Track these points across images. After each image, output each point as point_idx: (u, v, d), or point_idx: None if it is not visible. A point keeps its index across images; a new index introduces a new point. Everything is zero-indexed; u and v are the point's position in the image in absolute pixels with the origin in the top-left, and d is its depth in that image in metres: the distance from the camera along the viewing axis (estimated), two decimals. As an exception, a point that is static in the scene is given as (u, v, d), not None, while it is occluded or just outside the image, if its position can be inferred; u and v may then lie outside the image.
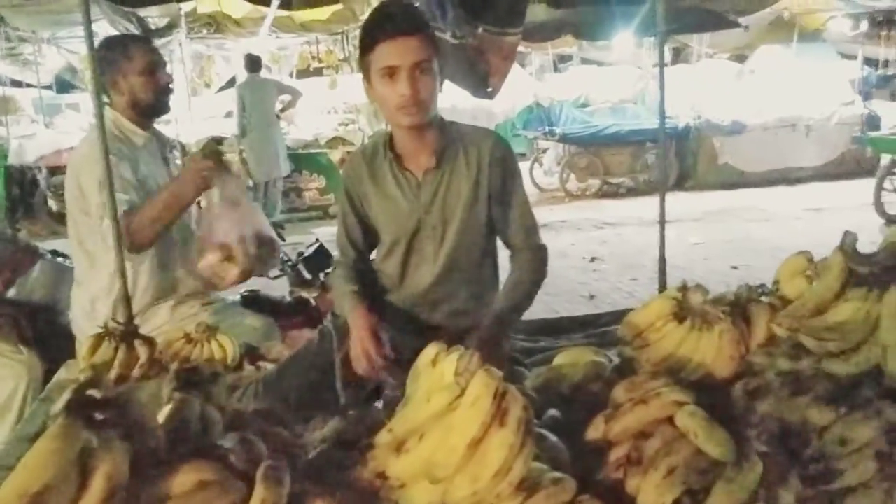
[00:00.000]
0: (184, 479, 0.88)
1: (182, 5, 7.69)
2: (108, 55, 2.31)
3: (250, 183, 7.68)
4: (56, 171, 8.11)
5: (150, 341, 1.87)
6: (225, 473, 0.91)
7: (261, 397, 1.77)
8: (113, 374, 1.77)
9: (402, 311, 1.86)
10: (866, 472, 0.99)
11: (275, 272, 2.97)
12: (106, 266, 2.20)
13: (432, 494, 0.91)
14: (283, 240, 3.01)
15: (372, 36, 1.67)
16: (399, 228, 1.83)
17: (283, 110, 8.17)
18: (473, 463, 0.88)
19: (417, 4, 1.75)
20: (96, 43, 2.29)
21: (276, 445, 1.09)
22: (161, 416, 1.05)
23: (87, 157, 2.19)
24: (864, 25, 8.97)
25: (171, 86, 2.41)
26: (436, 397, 0.95)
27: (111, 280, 2.19)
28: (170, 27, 8.03)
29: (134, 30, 7.09)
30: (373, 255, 1.98)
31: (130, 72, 2.29)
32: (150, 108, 2.35)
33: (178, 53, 8.53)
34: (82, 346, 1.88)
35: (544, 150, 10.27)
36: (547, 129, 10.00)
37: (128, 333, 1.86)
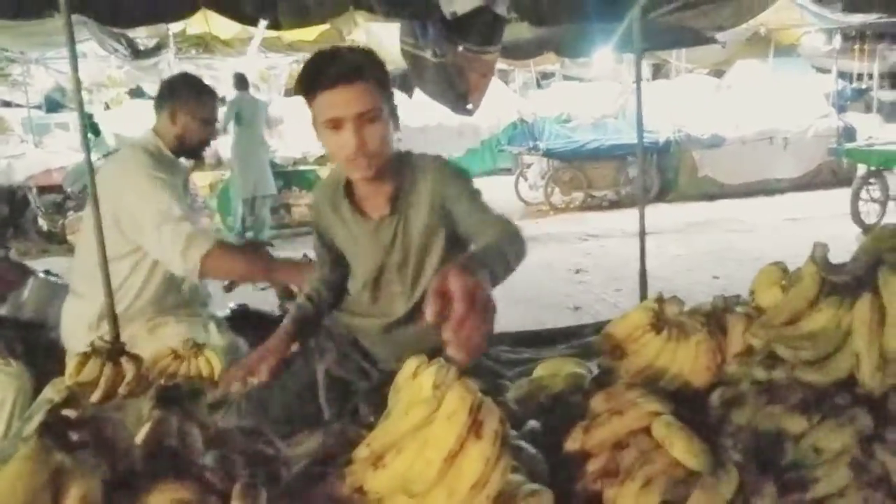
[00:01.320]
0: (159, 498, 0.88)
1: (170, 26, 7.71)
2: (183, 89, 2.45)
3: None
4: (45, 190, 8.09)
5: (136, 358, 1.86)
6: (201, 492, 0.91)
7: (245, 413, 1.76)
8: (98, 392, 1.76)
9: (375, 334, 1.84)
10: (841, 480, 1.00)
11: (262, 284, 2.98)
12: (126, 279, 2.28)
13: None
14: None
15: (310, 86, 1.56)
16: (365, 267, 1.80)
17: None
18: (450, 476, 0.88)
19: (362, 49, 1.66)
20: (85, 63, 2.37)
21: (257, 462, 1.09)
22: (140, 434, 1.04)
23: (126, 171, 2.31)
24: (838, 40, 9.14)
25: (212, 141, 2.57)
26: (413, 410, 0.95)
27: (122, 287, 2.27)
28: (158, 48, 8.05)
29: (123, 50, 7.09)
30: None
31: (192, 113, 2.42)
32: (189, 150, 2.50)
33: (167, 73, 8.54)
34: (69, 363, 1.87)
35: (529, 165, 10.37)
36: (531, 144, 10.11)
37: (114, 351, 1.86)
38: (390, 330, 1.80)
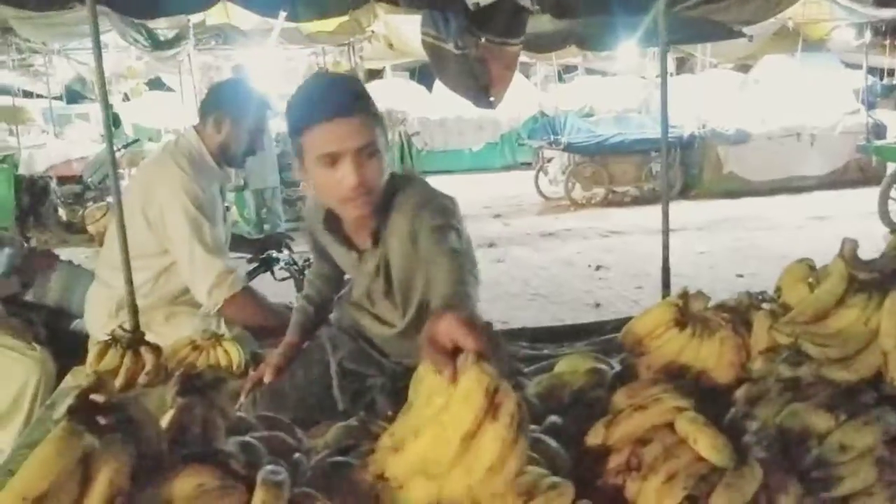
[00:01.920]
0: (184, 483, 0.89)
1: (191, 17, 7.77)
2: (231, 97, 2.39)
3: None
4: (66, 180, 8.19)
5: (156, 348, 1.89)
6: (225, 478, 0.92)
7: (261, 404, 1.78)
8: (119, 380, 1.78)
9: (383, 336, 1.83)
10: (866, 478, 0.99)
11: (281, 274, 3.01)
12: (146, 269, 2.29)
13: (429, 491, 0.92)
14: (291, 250, 3.05)
15: (305, 115, 1.44)
16: (356, 286, 1.79)
17: None
18: (468, 457, 0.88)
19: (354, 77, 1.52)
20: (105, 54, 2.36)
21: (277, 451, 1.10)
22: (163, 421, 1.05)
23: (163, 177, 2.29)
24: (868, 35, 8.97)
25: (256, 153, 2.49)
26: (434, 398, 0.95)
27: (147, 283, 2.29)
28: (178, 39, 8.11)
29: (143, 41, 7.16)
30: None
31: (239, 123, 2.36)
32: (229, 159, 2.44)
33: (187, 64, 8.61)
34: (90, 352, 1.90)
35: (549, 160, 10.32)
36: (552, 138, 10.05)
37: (134, 340, 1.88)
38: (397, 338, 1.78)
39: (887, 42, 9.97)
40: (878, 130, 9.39)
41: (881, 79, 12.44)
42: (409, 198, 1.57)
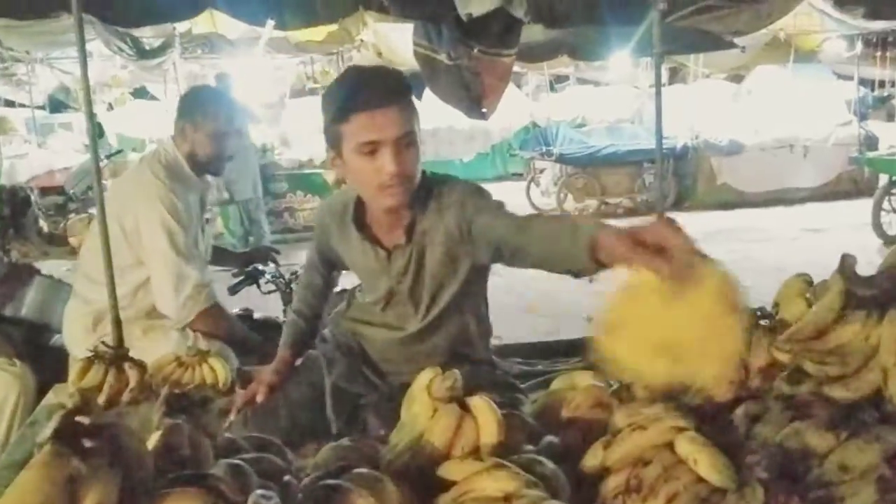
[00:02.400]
0: (171, 508, 0.86)
1: (177, 26, 7.73)
2: (189, 104, 2.40)
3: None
4: (48, 191, 8.11)
5: (140, 364, 1.85)
6: (216, 502, 0.89)
7: (251, 423, 1.75)
8: (102, 398, 1.75)
9: (388, 345, 1.80)
10: (867, 498, 0.97)
11: (268, 287, 2.98)
12: (123, 283, 2.25)
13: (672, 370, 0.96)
14: (277, 263, 3.00)
15: (346, 104, 1.46)
16: (373, 290, 1.74)
17: None
18: (712, 344, 0.94)
19: (398, 70, 1.57)
20: (90, 63, 2.34)
21: (267, 473, 1.07)
22: (150, 443, 1.03)
23: (140, 185, 2.29)
24: (859, 46, 9.04)
25: (231, 156, 2.46)
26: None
27: (125, 297, 2.25)
28: (164, 47, 8.06)
29: (128, 50, 7.12)
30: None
31: (200, 129, 2.34)
32: (203, 167, 2.41)
33: (173, 73, 8.57)
34: (72, 368, 1.87)
35: (541, 171, 10.31)
36: (544, 149, 10.04)
37: (117, 357, 1.85)
38: (405, 342, 1.75)
39: (878, 54, 10.03)
40: (870, 142, 9.44)
41: (872, 90, 12.52)
42: (451, 191, 1.59)
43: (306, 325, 1.91)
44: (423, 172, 1.60)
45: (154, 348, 2.19)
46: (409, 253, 1.63)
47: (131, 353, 1.88)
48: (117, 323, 2.04)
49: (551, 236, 1.34)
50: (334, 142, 1.51)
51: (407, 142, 1.46)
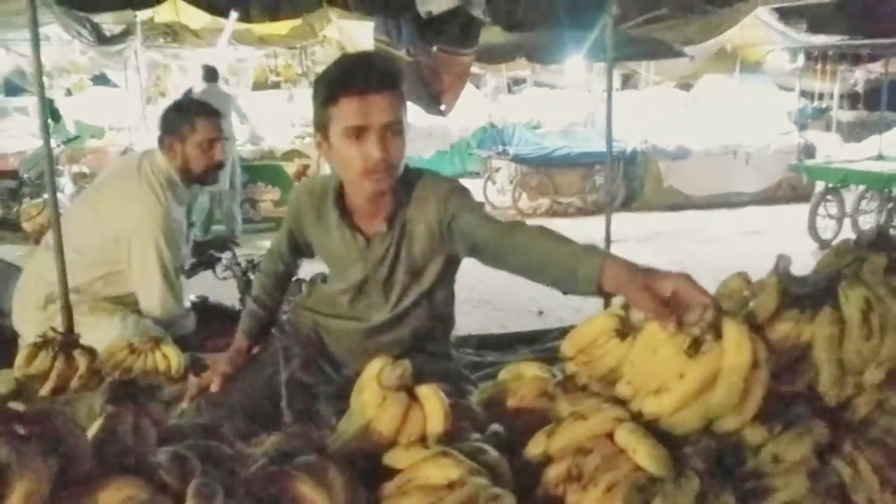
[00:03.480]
0: (110, 496, 0.85)
1: (139, 13, 7.55)
2: (173, 118, 2.38)
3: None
4: (1, 175, 7.83)
5: (90, 351, 1.81)
6: (154, 490, 0.88)
7: (205, 410, 1.72)
8: (49, 385, 1.70)
9: (351, 337, 1.81)
10: (799, 489, 1.01)
11: (224, 274, 2.95)
12: (95, 268, 2.29)
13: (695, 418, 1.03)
14: (234, 252, 2.99)
15: (337, 89, 1.47)
16: (346, 278, 1.74)
17: None
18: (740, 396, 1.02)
19: (391, 57, 1.64)
20: (47, 47, 2.34)
21: (213, 460, 1.06)
22: (92, 430, 1.00)
23: (145, 214, 2.29)
24: (801, 59, 9.37)
25: (223, 161, 2.46)
26: (660, 350, 1.06)
27: (90, 281, 2.28)
28: (125, 34, 7.88)
29: (87, 35, 6.93)
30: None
31: (189, 142, 2.34)
32: (198, 179, 2.42)
33: (134, 61, 8.36)
34: (19, 354, 1.81)
35: (497, 170, 10.40)
36: (500, 148, 10.13)
37: (67, 343, 1.80)
38: (368, 334, 1.75)
39: (819, 67, 10.42)
40: (809, 151, 9.80)
41: (812, 102, 12.98)
42: (435, 184, 1.63)
43: (265, 313, 1.90)
44: (406, 164, 1.61)
45: (98, 326, 2.16)
46: (389, 241, 1.64)
47: (76, 331, 1.85)
48: (67, 309, 2.00)
49: (547, 252, 1.42)
50: (322, 124, 1.52)
51: (394, 129, 1.48)
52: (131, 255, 2.27)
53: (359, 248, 1.67)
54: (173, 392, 1.82)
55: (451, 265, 1.72)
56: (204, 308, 2.63)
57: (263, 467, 1.02)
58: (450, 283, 1.79)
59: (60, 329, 1.91)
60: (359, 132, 1.46)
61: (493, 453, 1.04)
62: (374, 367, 1.18)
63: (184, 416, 1.72)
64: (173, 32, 7.98)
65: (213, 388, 1.71)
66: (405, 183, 1.62)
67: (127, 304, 2.34)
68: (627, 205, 9.85)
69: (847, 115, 13.45)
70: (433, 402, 1.11)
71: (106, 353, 1.85)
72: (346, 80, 1.46)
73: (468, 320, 4.92)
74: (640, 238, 8.04)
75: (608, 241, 2.55)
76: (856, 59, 10.21)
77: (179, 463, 0.94)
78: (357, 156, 1.48)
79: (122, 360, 1.87)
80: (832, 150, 10.43)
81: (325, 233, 1.70)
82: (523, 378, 1.44)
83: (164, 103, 11.45)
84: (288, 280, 1.96)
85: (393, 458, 1.05)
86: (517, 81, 14.57)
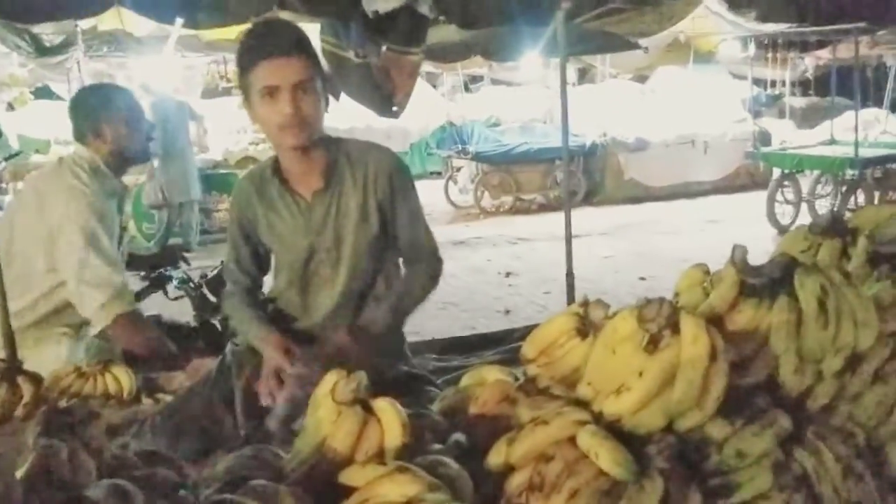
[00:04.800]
0: (42, 538, 0.79)
1: (80, 22, 7.34)
2: (90, 102, 2.31)
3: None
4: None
5: (34, 378, 1.73)
6: (93, 528, 0.83)
7: (159, 432, 1.68)
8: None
9: (305, 341, 1.79)
10: (763, 483, 1.00)
11: (175, 293, 2.87)
12: (32, 290, 2.19)
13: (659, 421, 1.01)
14: (188, 263, 2.90)
15: (250, 55, 1.64)
16: (292, 253, 1.78)
17: None
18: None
19: (296, 24, 1.81)
20: None
21: (158, 489, 1.00)
22: (23, 467, 0.94)
23: (71, 198, 2.18)
24: (752, 48, 9.52)
25: (151, 136, 2.39)
26: (621, 347, 1.05)
27: (30, 304, 2.18)
28: (66, 45, 7.65)
29: (26, 47, 6.72)
30: (270, 285, 1.93)
31: (115, 120, 2.27)
32: (133, 157, 2.36)
33: (76, 72, 8.13)
34: None
35: (458, 169, 10.38)
36: (460, 147, 10.12)
37: (10, 370, 1.73)
38: (322, 329, 1.76)
39: (770, 55, 10.60)
40: (764, 138, 9.97)
41: (765, 89, 13.22)
42: (373, 148, 1.82)
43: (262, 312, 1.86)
44: (346, 138, 1.82)
45: (45, 358, 2.07)
46: (329, 198, 1.74)
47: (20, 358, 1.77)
48: (10, 336, 1.91)
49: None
50: (244, 89, 1.68)
51: (304, 88, 1.62)
52: (58, 242, 2.15)
53: (301, 212, 1.76)
54: (126, 415, 1.75)
55: (387, 250, 1.83)
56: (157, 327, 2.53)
57: (212, 495, 0.97)
58: (391, 264, 1.88)
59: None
60: (272, 92, 1.61)
61: (453, 466, 1.01)
62: (328, 381, 1.14)
63: (138, 435, 1.67)
64: (117, 41, 7.77)
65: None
66: (339, 143, 1.79)
67: (72, 326, 2.25)
68: (589, 199, 9.91)
69: (800, 102, 13.73)
70: (390, 415, 1.07)
71: (52, 379, 1.77)
72: (258, 47, 1.63)
73: (435, 323, 4.89)
74: (602, 232, 8.10)
75: (568, 237, 2.54)
76: (804, 46, 10.40)
77: (119, 496, 0.89)
78: (272, 113, 1.63)
79: (69, 384, 1.79)
80: (787, 136, 10.64)
81: (269, 209, 1.78)
82: (485, 383, 1.41)
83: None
84: (256, 293, 1.92)
85: (349, 477, 1.01)
86: (474, 79, 14.59)
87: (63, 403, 1.57)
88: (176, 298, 2.89)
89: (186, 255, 2.95)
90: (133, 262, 2.79)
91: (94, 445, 1.04)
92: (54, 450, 0.94)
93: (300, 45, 1.66)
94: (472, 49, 9.94)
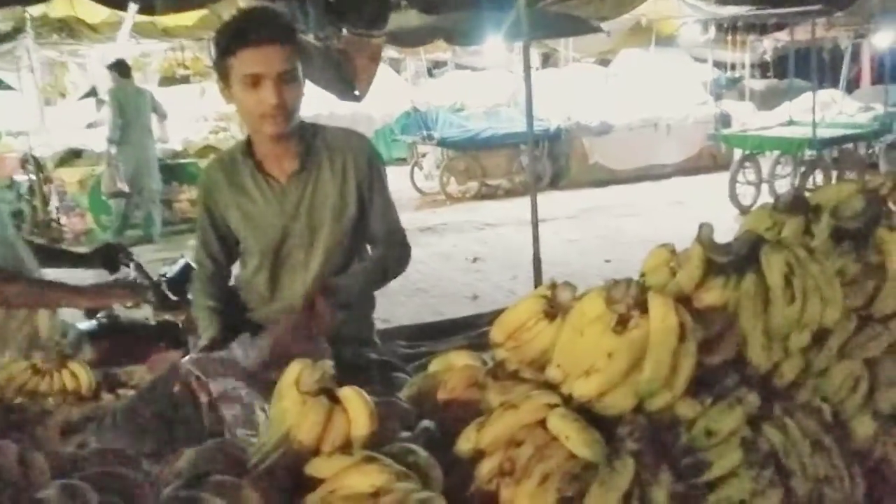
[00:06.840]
0: (-11, 543, 0.75)
1: (29, 9, 7.11)
2: None
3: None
4: None
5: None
6: (44, 531, 0.79)
7: (120, 428, 1.63)
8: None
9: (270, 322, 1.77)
10: (733, 460, 1.00)
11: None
12: None
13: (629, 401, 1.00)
14: (132, 262, 2.72)
15: (235, 40, 1.61)
16: (265, 238, 1.76)
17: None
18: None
19: (279, 6, 1.76)
20: None
21: (116, 488, 0.96)
22: (-30, 469, 0.90)
23: None
24: (712, 31, 9.63)
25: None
26: (592, 328, 1.03)
27: None
28: (15, 32, 7.40)
29: None
30: (236, 271, 1.90)
31: None
32: None
33: (27, 60, 7.87)
34: None
35: (424, 155, 10.32)
36: (425, 133, 10.06)
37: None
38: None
39: (729, 38, 10.73)
40: (725, 120, 10.10)
41: (726, 72, 13.38)
42: (349, 134, 1.82)
43: (224, 318, 1.83)
44: (320, 124, 1.81)
45: None
46: (304, 181, 1.73)
47: None
48: None
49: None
50: (224, 74, 1.65)
51: (287, 77, 1.61)
52: None
53: (276, 196, 1.74)
54: (85, 412, 1.69)
55: (361, 234, 1.83)
56: (114, 328, 2.42)
57: (173, 492, 0.94)
58: (363, 251, 1.89)
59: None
60: (255, 80, 1.59)
61: (422, 454, 0.99)
62: (293, 371, 1.11)
63: (98, 430, 1.61)
64: (69, 28, 7.54)
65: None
66: (314, 128, 1.78)
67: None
68: (555, 183, 9.95)
69: (759, 84, 13.93)
70: (356, 404, 1.05)
71: (5, 377, 1.70)
72: (243, 33, 1.60)
73: (404, 310, 4.88)
74: (568, 215, 8.14)
75: (535, 222, 2.53)
76: (763, 28, 10.55)
77: (72, 496, 0.85)
78: (255, 101, 1.61)
79: (24, 382, 1.72)
80: (747, 118, 10.79)
81: (240, 193, 1.75)
82: (454, 368, 1.39)
83: (64, 104, 10.75)
84: (218, 281, 1.91)
85: (315, 468, 0.99)
86: (438, 64, 14.51)
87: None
88: (129, 307, 2.74)
89: (131, 250, 2.72)
90: (63, 258, 2.60)
91: (46, 445, 1.00)
92: (3, 450, 0.90)
93: (288, 32, 1.65)
94: (434, 33, 9.88)
